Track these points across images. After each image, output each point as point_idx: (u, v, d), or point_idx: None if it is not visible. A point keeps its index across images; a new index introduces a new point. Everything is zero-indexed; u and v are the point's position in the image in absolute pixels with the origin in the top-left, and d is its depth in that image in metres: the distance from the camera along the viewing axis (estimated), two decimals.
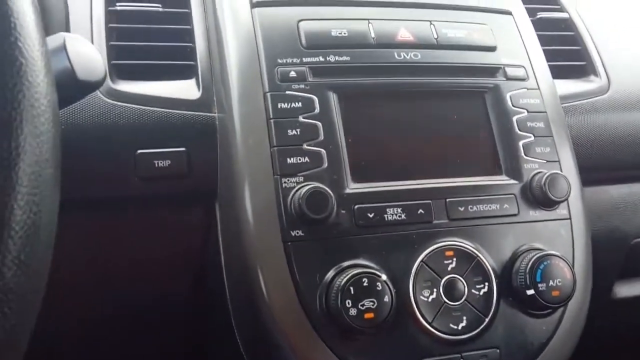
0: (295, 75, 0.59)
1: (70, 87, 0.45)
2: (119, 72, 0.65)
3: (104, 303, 0.70)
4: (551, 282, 0.56)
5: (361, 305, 0.52)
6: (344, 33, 0.62)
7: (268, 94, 0.58)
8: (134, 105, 0.62)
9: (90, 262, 0.66)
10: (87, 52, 0.47)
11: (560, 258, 0.57)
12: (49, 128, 0.33)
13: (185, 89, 0.65)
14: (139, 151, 0.61)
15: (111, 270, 0.67)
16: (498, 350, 0.57)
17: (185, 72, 0.67)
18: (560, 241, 0.61)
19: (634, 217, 0.83)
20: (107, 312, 0.71)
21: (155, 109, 0.63)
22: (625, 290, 0.89)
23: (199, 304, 0.71)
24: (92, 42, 0.66)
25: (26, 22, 0.32)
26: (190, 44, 0.68)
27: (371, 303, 0.52)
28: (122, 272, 0.68)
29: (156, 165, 0.62)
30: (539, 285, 0.56)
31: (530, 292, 0.56)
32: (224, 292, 0.63)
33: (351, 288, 0.52)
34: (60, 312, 0.61)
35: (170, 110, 0.63)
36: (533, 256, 0.57)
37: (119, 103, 0.62)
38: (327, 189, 0.55)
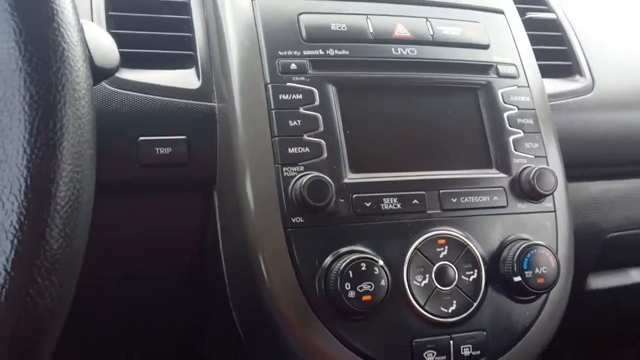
0: (295, 68, 0.61)
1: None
2: (120, 60, 0.66)
3: (99, 287, 0.70)
4: (537, 270, 0.59)
5: (359, 288, 0.54)
6: (343, 27, 0.64)
7: (269, 86, 0.60)
8: (135, 93, 0.63)
9: (87, 245, 0.67)
10: (103, 39, 0.48)
11: (546, 247, 0.61)
12: (88, 111, 0.35)
13: (186, 79, 0.66)
14: (141, 138, 0.62)
15: (107, 255, 0.68)
16: (485, 333, 0.60)
17: (184, 62, 0.68)
18: (545, 232, 0.64)
19: (611, 213, 0.86)
20: (103, 296, 0.72)
21: (157, 97, 0.64)
22: (599, 282, 0.93)
23: (196, 290, 0.73)
24: None
25: (67, 9, 0.34)
26: (189, 34, 0.69)
27: (369, 286, 0.54)
28: (119, 257, 0.69)
29: (157, 152, 0.63)
30: (526, 272, 0.59)
31: (517, 278, 0.59)
32: (222, 277, 0.64)
33: (350, 272, 0.54)
34: None
35: (171, 99, 0.64)
36: (520, 245, 0.60)
37: (121, 90, 0.63)
38: (327, 178, 0.57)
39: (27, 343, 0.33)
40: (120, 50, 0.66)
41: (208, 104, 0.64)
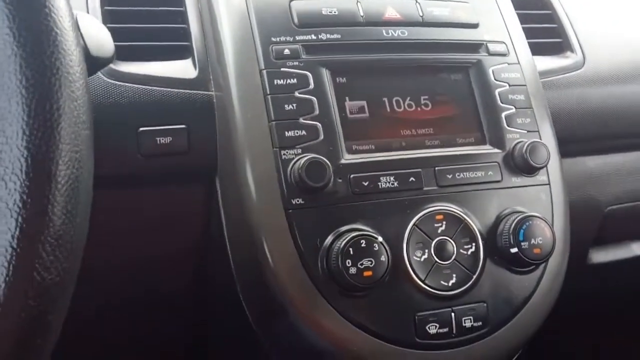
0: (289, 53, 0.62)
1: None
2: (117, 53, 0.67)
3: (104, 279, 0.72)
4: (533, 241, 0.61)
5: (360, 265, 0.56)
6: (334, 12, 0.65)
7: (264, 71, 0.61)
8: (134, 85, 0.64)
9: (91, 238, 0.69)
10: (98, 29, 0.50)
11: (541, 219, 0.62)
12: (83, 93, 0.36)
13: (182, 69, 0.68)
14: (141, 129, 0.63)
15: (112, 247, 0.70)
16: (485, 304, 0.61)
17: (180, 53, 0.69)
18: (540, 204, 0.65)
19: (608, 186, 0.87)
20: (108, 288, 0.73)
21: (155, 88, 0.65)
22: (601, 256, 0.94)
23: (203, 277, 0.74)
24: None
25: None
26: (184, 25, 0.70)
27: (369, 262, 0.56)
28: (124, 247, 0.70)
29: (158, 142, 0.64)
30: (522, 243, 0.60)
31: (514, 250, 0.61)
32: (228, 263, 0.66)
33: (350, 249, 0.56)
34: None
35: (169, 89, 0.65)
36: (516, 218, 0.61)
37: (120, 83, 0.64)
38: (324, 159, 0.58)
39: (36, 317, 0.34)
40: (117, 43, 0.67)
41: (205, 92, 0.66)
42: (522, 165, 0.65)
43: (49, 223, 0.34)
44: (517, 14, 0.74)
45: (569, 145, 0.75)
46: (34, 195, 0.34)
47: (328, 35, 0.64)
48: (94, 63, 0.47)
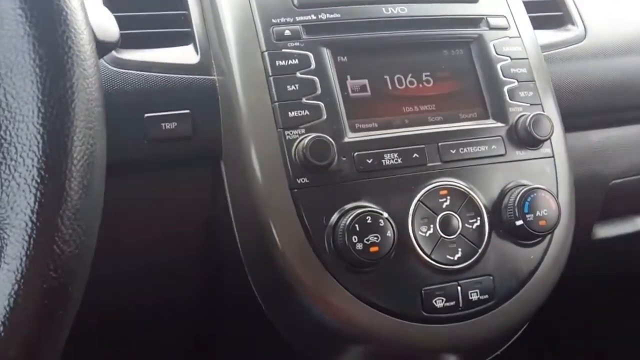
0: (290, 34, 0.63)
1: None
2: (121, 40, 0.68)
3: (112, 266, 0.73)
4: (538, 213, 0.61)
5: (366, 240, 0.56)
6: None
7: (265, 53, 0.62)
8: (138, 72, 0.65)
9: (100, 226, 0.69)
10: (102, 14, 0.50)
11: (546, 191, 0.62)
12: (95, 71, 0.37)
13: (185, 55, 0.68)
14: (147, 115, 0.64)
15: (120, 234, 0.70)
16: (491, 277, 0.62)
17: (182, 39, 0.70)
18: (545, 177, 0.65)
19: (612, 160, 0.87)
20: (115, 275, 0.74)
21: (158, 74, 0.65)
22: (605, 231, 0.94)
23: (211, 261, 0.75)
24: None
25: None
26: (185, 12, 0.70)
27: (375, 238, 0.57)
28: (131, 235, 0.71)
29: (164, 127, 0.64)
30: (527, 216, 0.61)
31: (519, 223, 0.61)
32: (235, 244, 0.67)
33: (356, 226, 0.56)
34: None
35: (172, 75, 0.66)
36: (520, 191, 0.62)
37: (123, 70, 0.65)
38: (328, 137, 0.59)
39: (57, 288, 0.35)
40: (122, 32, 0.68)
41: (208, 77, 0.66)
42: (525, 138, 0.65)
43: (67, 198, 0.35)
44: None
45: (571, 119, 0.75)
46: (51, 171, 0.35)
47: (328, 15, 0.64)
48: (100, 47, 0.48)
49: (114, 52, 0.66)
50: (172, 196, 0.70)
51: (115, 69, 0.65)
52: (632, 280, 1.09)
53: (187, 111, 0.65)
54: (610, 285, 1.11)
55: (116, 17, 0.67)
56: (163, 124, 0.64)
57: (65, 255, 0.35)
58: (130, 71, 0.65)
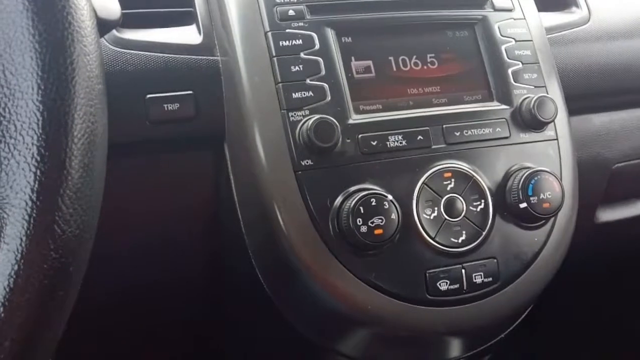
0: (293, 14, 0.62)
1: None
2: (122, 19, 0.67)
3: (114, 248, 0.72)
4: (542, 195, 0.61)
5: (371, 223, 0.56)
6: None
7: (269, 33, 0.61)
8: (140, 52, 0.64)
9: (103, 209, 0.69)
10: None
11: (550, 173, 0.62)
12: (95, 48, 0.36)
13: (187, 35, 0.68)
14: (149, 96, 0.63)
15: (123, 217, 0.70)
16: (495, 260, 0.62)
17: (184, 19, 0.69)
18: (548, 160, 0.65)
19: (615, 144, 0.87)
20: (117, 257, 0.74)
21: (160, 54, 0.65)
22: (608, 214, 0.94)
23: (214, 244, 0.75)
24: None
25: None
26: None
27: (380, 220, 0.56)
28: (133, 218, 0.70)
29: (166, 108, 0.64)
30: (531, 198, 0.61)
31: (523, 205, 0.61)
32: (239, 227, 0.66)
33: (361, 208, 0.56)
34: None
35: (174, 56, 0.65)
36: (524, 173, 0.61)
37: (126, 50, 0.64)
38: (332, 119, 0.58)
39: (58, 269, 0.35)
40: (123, 11, 0.67)
41: (211, 58, 0.66)
42: (529, 120, 0.64)
43: (68, 176, 0.34)
44: None
45: (575, 102, 0.75)
46: (51, 149, 0.34)
47: None
48: (100, 25, 0.47)
49: (115, 32, 0.65)
50: (175, 178, 0.69)
51: (116, 48, 0.64)
52: (635, 263, 1.10)
53: (190, 92, 0.64)
54: (614, 269, 1.12)
55: None
56: (165, 105, 0.64)
57: (66, 235, 0.35)
58: (132, 51, 0.64)
